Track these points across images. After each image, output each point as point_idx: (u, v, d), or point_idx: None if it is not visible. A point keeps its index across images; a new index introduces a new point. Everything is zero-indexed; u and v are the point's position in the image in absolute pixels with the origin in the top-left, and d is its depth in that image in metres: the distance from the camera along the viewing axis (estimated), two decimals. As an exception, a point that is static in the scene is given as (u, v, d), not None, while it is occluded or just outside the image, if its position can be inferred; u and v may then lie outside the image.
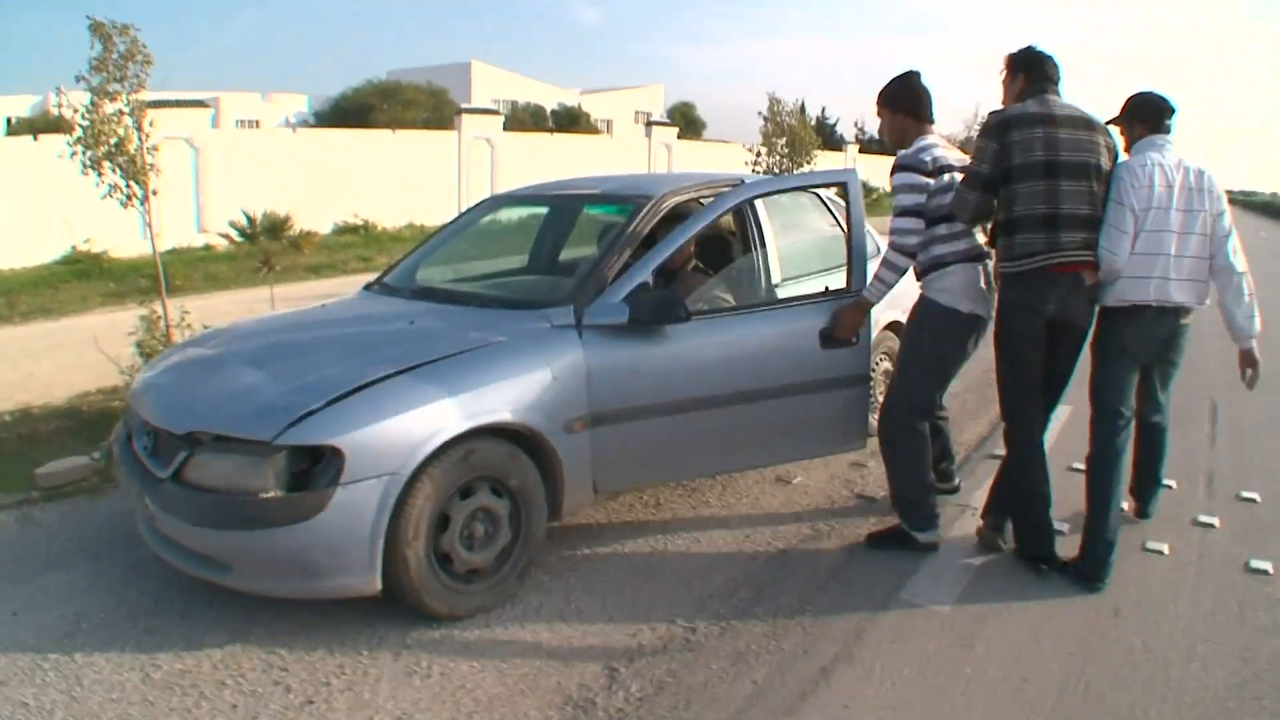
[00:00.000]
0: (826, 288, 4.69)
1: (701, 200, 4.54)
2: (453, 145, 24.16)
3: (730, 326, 4.27)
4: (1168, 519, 4.72)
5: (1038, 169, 3.80)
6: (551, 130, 35.28)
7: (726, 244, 5.19)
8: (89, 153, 6.57)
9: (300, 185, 20.13)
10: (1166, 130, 4.10)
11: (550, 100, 45.97)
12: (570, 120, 41.20)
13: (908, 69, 4.31)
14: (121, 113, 6.62)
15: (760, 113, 16.70)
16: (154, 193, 6.84)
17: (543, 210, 5.67)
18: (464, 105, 27.22)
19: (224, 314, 10.54)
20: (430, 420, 3.39)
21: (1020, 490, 4.13)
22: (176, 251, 17.74)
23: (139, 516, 3.80)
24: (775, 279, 5.06)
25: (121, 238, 16.04)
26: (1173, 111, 4.12)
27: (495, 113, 26.36)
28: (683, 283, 4.71)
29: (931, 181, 4.06)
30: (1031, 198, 3.81)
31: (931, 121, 4.26)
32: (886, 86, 4.30)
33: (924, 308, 4.22)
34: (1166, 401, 4.47)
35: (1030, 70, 4.02)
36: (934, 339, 4.19)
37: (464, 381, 3.54)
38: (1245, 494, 5.13)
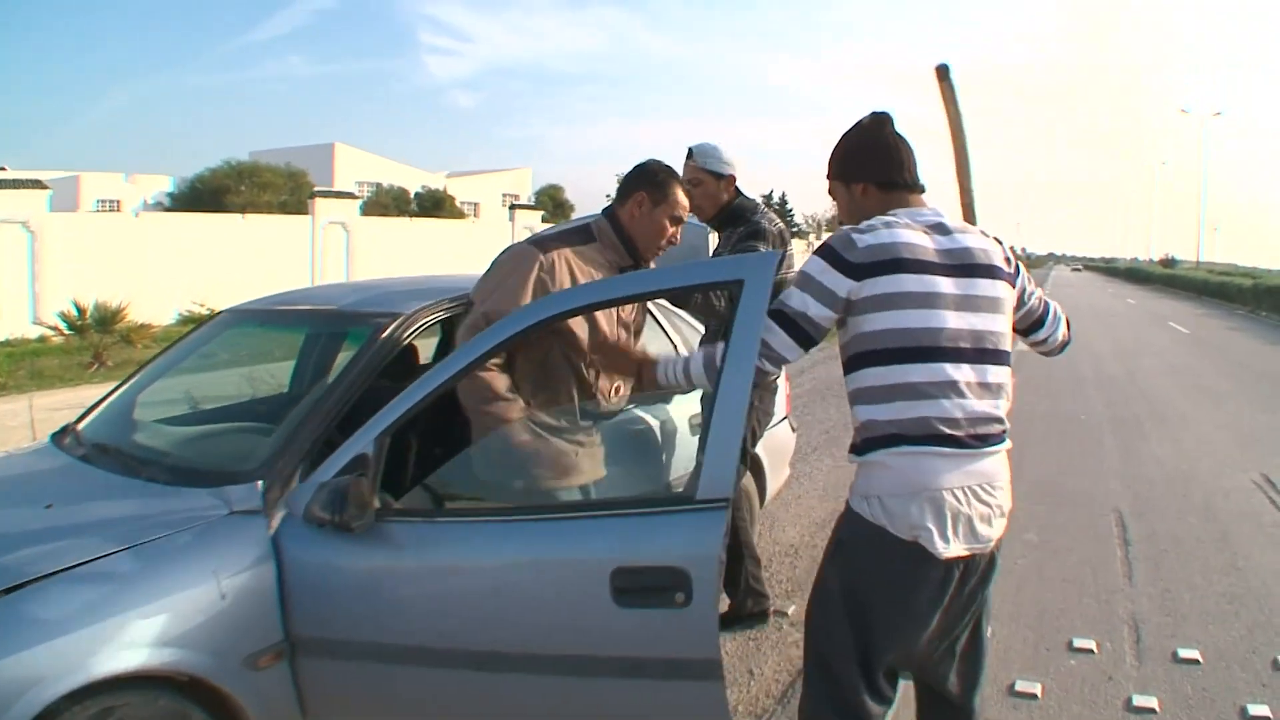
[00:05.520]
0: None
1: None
2: (307, 230, 22.88)
3: (481, 541, 2.65)
4: (1094, 704, 3.69)
5: None
6: (413, 214, 34.30)
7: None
8: None
9: (145, 272, 18.81)
10: None
11: (415, 183, 45.50)
12: (434, 204, 40.52)
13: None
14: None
15: (607, 195, 15.80)
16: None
17: (295, 328, 4.41)
18: (319, 188, 26.05)
19: (16, 426, 9.20)
20: (32, 669, 2.21)
21: None
22: (9, 344, 16.16)
23: None
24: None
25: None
26: None
27: (352, 196, 25.18)
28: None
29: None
30: None
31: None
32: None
33: (844, 522, 2.42)
34: None
35: None
36: (845, 578, 2.39)
37: (86, 608, 2.36)
38: (1184, 653, 4.13)
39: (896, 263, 2.27)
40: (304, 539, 2.65)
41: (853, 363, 2.34)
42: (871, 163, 2.54)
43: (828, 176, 2.64)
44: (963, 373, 2.26)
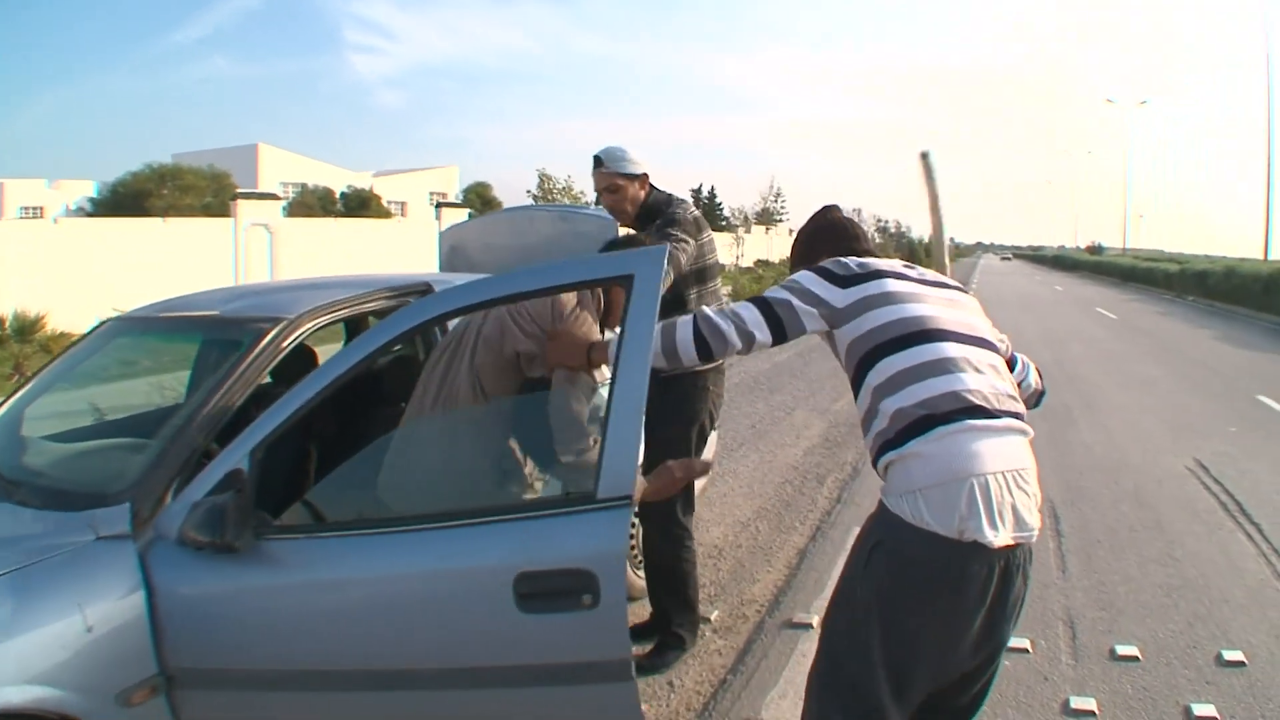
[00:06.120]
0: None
1: (370, 315, 3.24)
2: (229, 233, 22.39)
3: (373, 555, 2.48)
4: (1030, 707, 3.57)
5: None
6: (339, 215, 33.91)
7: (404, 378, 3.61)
8: None
9: (66, 279, 18.34)
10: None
11: (341, 183, 45.30)
12: (360, 204, 40.26)
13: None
14: None
15: (529, 191, 15.74)
16: None
17: (182, 335, 4.16)
18: (242, 190, 25.61)
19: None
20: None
21: None
22: (-74, 356, 15.62)
23: None
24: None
25: None
26: None
27: (275, 197, 24.74)
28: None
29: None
30: None
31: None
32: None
33: (877, 524, 2.27)
34: None
35: None
36: (881, 586, 2.20)
37: None
38: (1121, 649, 4.03)
39: (879, 273, 2.42)
40: (177, 563, 2.46)
41: (865, 361, 2.34)
42: (830, 240, 2.77)
43: (791, 265, 2.83)
44: (967, 351, 2.29)
